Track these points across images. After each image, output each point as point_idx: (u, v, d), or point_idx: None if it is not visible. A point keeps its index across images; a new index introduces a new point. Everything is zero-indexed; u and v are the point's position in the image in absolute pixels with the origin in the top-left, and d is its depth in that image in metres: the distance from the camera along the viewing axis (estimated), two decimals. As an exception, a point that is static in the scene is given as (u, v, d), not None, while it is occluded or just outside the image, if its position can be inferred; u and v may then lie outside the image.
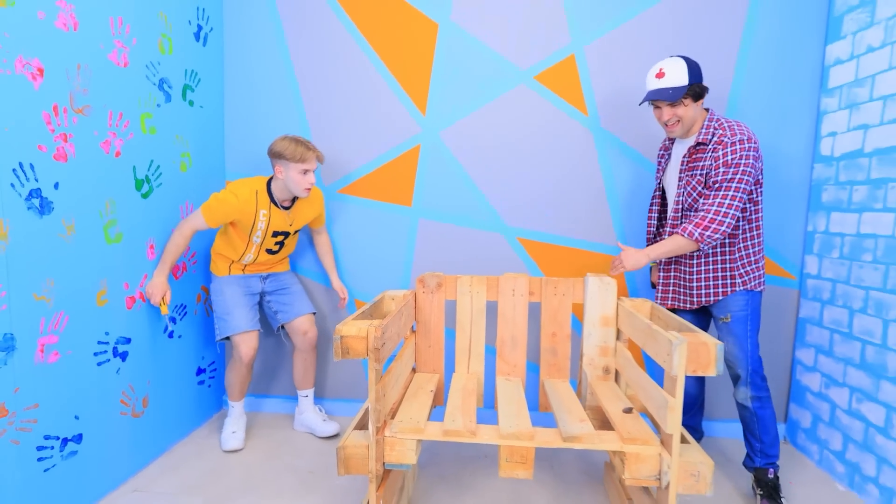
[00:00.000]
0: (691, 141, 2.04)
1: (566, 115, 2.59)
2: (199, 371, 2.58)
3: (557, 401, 1.92)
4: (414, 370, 2.20)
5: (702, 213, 1.93)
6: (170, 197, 2.31)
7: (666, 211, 2.24)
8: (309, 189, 2.28)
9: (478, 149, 2.62)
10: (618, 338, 2.11)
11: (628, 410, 1.81)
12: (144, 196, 2.14)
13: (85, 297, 1.84)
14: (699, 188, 1.99)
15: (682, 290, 2.16)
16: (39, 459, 1.68)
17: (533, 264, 2.66)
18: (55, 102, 1.68)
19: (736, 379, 2.06)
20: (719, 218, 1.91)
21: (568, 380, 2.16)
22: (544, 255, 2.65)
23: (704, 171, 1.96)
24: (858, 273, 2.23)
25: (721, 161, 1.90)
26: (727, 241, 2.05)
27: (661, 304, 2.20)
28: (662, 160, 2.22)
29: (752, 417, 2.04)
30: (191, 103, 2.44)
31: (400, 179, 2.67)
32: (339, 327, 1.59)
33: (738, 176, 1.89)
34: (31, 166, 1.61)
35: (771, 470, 2.05)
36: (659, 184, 2.23)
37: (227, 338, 2.37)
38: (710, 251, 2.06)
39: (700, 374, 1.52)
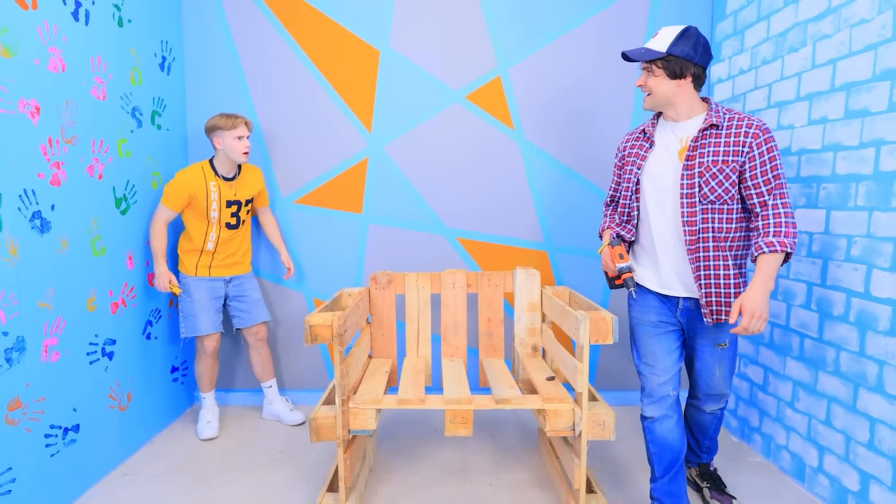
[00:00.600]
0: (690, 126, 1.81)
1: (495, 129, 2.99)
2: (174, 369, 2.85)
3: (493, 375, 2.30)
4: (370, 357, 2.54)
5: (775, 220, 1.69)
6: (143, 212, 2.58)
7: (631, 205, 1.95)
8: (247, 153, 2.61)
9: (419, 161, 2.99)
10: (543, 320, 2.51)
11: (550, 378, 2.21)
12: (123, 213, 2.41)
13: (78, 304, 2.11)
14: (720, 175, 1.72)
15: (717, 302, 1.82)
16: (47, 446, 1.96)
17: (471, 260, 3.05)
18: (49, 135, 1.96)
19: (719, 398, 2.02)
20: (791, 219, 1.70)
21: (503, 358, 2.55)
22: (480, 252, 3.05)
23: (727, 156, 1.72)
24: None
25: (761, 150, 1.70)
26: (743, 251, 1.84)
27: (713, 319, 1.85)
28: (640, 151, 1.91)
29: (715, 421, 2.09)
30: (158, 127, 2.71)
31: (350, 189, 3.01)
32: (307, 318, 1.92)
33: (781, 167, 1.71)
34: (33, 192, 1.88)
35: (711, 463, 2.22)
36: (633, 178, 1.90)
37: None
38: (735, 263, 1.82)
39: (601, 342, 1.91)
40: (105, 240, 2.28)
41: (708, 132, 1.76)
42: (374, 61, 2.95)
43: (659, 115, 1.91)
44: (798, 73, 2.30)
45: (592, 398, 2.07)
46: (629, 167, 1.93)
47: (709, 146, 1.75)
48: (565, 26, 2.93)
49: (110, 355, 2.31)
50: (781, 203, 1.70)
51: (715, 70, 2.93)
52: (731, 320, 1.70)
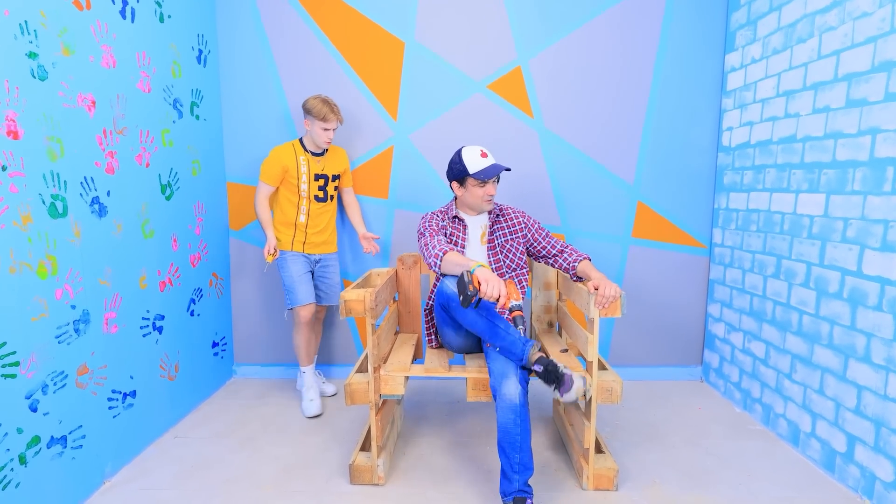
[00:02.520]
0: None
1: (515, 118, 3.07)
2: (214, 344, 3.02)
3: (512, 348, 2.42)
4: (397, 332, 2.68)
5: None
6: (185, 198, 2.72)
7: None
8: (328, 143, 2.73)
9: (442, 148, 3.08)
10: (559, 298, 2.62)
11: (564, 351, 2.33)
12: (168, 198, 2.55)
13: (132, 282, 2.27)
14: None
15: None
16: (110, 408, 2.13)
17: (492, 243, 3.16)
18: (104, 126, 2.09)
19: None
20: None
21: (521, 334, 2.67)
22: (501, 236, 3.15)
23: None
24: (748, 241, 2.79)
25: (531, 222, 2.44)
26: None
27: None
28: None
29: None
30: (197, 117, 2.84)
31: (377, 176, 3.13)
32: (342, 294, 2.04)
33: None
34: (92, 179, 2.02)
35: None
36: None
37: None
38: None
39: (610, 316, 2.02)
40: (153, 223, 2.42)
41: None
42: (399, 53, 3.04)
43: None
44: (805, 63, 2.36)
45: (602, 368, 2.18)
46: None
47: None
48: (584, 17, 3.00)
49: (160, 329, 2.47)
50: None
51: (729, 60, 2.98)
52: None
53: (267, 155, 2.78)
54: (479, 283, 1.84)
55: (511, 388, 1.89)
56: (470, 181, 2.24)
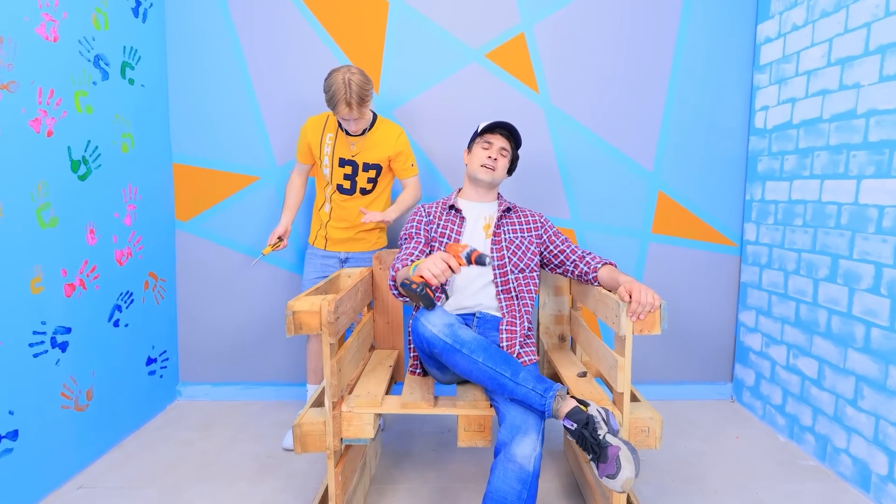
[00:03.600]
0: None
1: (517, 93, 2.56)
2: (150, 361, 2.43)
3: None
4: (373, 348, 2.13)
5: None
6: (110, 179, 2.15)
7: None
8: (356, 131, 2.10)
9: (431, 127, 2.56)
10: (572, 305, 2.09)
11: (582, 374, 1.80)
12: (82, 178, 1.98)
13: (17, 285, 1.69)
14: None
15: None
16: (-29, 457, 1.53)
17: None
18: (-27, 75, 1.52)
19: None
20: None
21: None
22: (498, 231, 2.61)
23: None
24: (791, 237, 2.29)
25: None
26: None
27: None
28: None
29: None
30: (131, 81, 2.28)
31: (352, 160, 2.58)
32: (290, 303, 1.50)
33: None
34: (-52, 142, 1.45)
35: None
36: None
37: None
38: None
39: (646, 333, 1.51)
40: (56, 209, 1.85)
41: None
42: (382, 13, 2.51)
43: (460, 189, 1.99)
44: (867, 22, 1.90)
45: (634, 398, 1.66)
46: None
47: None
48: (596, -26, 2.50)
49: (63, 346, 1.89)
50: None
51: (762, 30, 2.50)
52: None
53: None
54: (420, 277, 1.46)
55: (526, 448, 1.35)
56: (477, 143, 1.89)
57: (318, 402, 1.66)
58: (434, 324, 1.49)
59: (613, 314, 1.54)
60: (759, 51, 2.54)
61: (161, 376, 2.53)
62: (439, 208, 1.93)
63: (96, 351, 2.08)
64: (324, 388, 1.65)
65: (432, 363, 1.63)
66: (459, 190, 1.99)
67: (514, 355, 1.72)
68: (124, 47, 2.23)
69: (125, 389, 2.26)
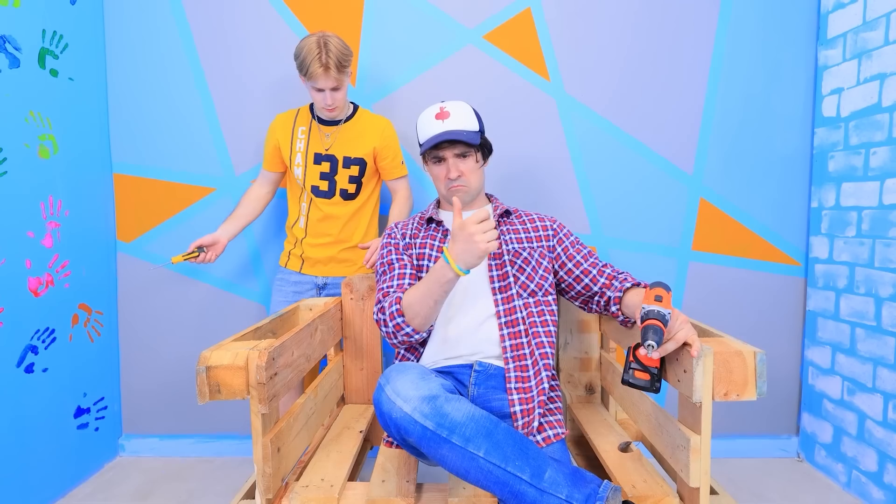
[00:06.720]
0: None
1: (523, 81, 2.06)
2: (80, 411, 1.94)
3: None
4: (342, 402, 1.61)
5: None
6: (22, 189, 1.69)
7: None
8: (331, 109, 1.68)
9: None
10: (602, 346, 1.57)
11: (625, 447, 1.27)
12: (-29, 188, 1.52)
13: None
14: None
15: None
16: None
17: (493, 260, 2.10)
18: None
19: None
20: None
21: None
22: (506, 249, 2.10)
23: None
24: (885, 253, 1.75)
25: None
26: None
27: None
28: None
29: None
30: (53, 73, 1.83)
31: (329, 165, 2.09)
32: (204, 354, 1.00)
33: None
34: None
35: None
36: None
37: None
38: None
39: (734, 398, 0.98)
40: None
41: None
42: (356, -12, 2.05)
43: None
44: None
45: (711, 491, 1.12)
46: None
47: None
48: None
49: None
50: None
51: (827, -7, 1.99)
52: None
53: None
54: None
55: None
56: (427, 160, 1.40)
57: (250, 495, 1.15)
58: (406, 397, 0.97)
59: (680, 368, 1.02)
60: (826, 22, 2.02)
61: (97, 429, 2.03)
62: (415, 224, 1.46)
63: (1, 404, 1.59)
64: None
65: (411, 448, 1.10)
66: (439, 200, 1.49)
67: (534, 428, 1.19)
68: (44, 31, 1.78)
69: (43, 449, 1.76)
